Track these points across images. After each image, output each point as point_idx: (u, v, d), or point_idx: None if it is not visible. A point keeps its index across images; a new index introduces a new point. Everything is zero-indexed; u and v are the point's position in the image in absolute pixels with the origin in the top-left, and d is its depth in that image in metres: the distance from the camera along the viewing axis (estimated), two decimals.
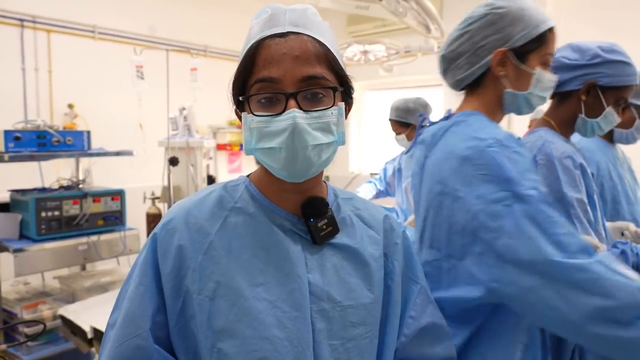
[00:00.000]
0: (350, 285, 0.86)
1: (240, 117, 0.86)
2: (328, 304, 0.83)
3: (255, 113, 0.79)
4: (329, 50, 0.81)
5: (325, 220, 0.87)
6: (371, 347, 0.87)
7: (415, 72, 5.17)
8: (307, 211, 0.86)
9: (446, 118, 1.24)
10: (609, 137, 2.03)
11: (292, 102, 0.77)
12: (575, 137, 1.61)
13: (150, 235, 0.85)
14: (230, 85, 0.85)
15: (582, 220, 1.31)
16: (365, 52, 3.25)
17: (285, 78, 0.77)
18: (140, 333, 0.78)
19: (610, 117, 1.48)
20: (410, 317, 0.95)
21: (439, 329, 0.98)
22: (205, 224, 0.83)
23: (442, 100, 5.28)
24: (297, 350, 0.78)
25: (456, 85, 1.28)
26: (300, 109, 0.77)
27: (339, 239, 0.89)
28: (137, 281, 0.82)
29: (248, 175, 0.93)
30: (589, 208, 1.35)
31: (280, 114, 0.77)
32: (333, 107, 0.80)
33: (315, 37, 0.80)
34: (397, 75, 4.42)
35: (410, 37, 4.04)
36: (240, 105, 0.84)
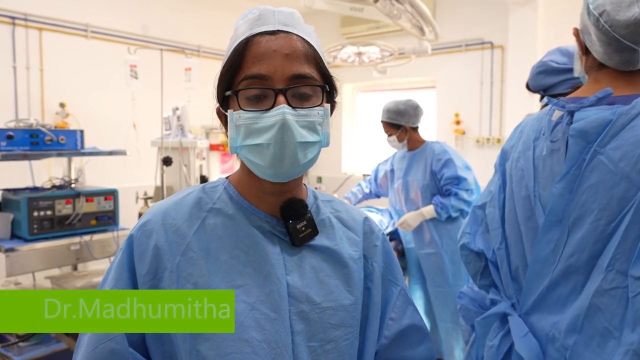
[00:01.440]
0: (329, 286, 0.86)
1: (221, 117, 0.86)
2: (307, 306, 0.83)
3: (244, 108, 0.79)
4: (316, 51, 0.83)
5: (305, 222, 0.86)
6: (351, 349, 0.86)
7: (409, 74, 5.21)
8: (285, 213, 0.86)
9: (607, 102, 0.99)
10: None
11: (281, 98, 0.77)
12: None
13: (127, 237, 0.84)
14: (216, 82, 0.84)
15: None
16: (359, 54, 3.26)
17: (275, 75, 0.77)
18: (115, 337, 0.76)
19: None
20: (390, 319, 0.94)
21: (418, 330, 0.97)
22: (183, 225, 0.83)
23: (434, 102, 5.32)
24: (275, 352, 0.78)
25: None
26: (289, 105, 0.77)
27: (318, 240, 0.88)
28: (113, 283, 0.80)
29: (227, 177, 0.92)
30: None
31: (269, 109, 0.77)
32: (319, 107, 0.81)
33: (303, 37, 0.82)
34: (390, 77, 4.44)
35: (403, 39, 4.06)
36: (225, 103, 0.83)
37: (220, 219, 0.84)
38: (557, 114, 1.05)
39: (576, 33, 1.11)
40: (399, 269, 0.99)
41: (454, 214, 2.79)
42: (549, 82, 1.54)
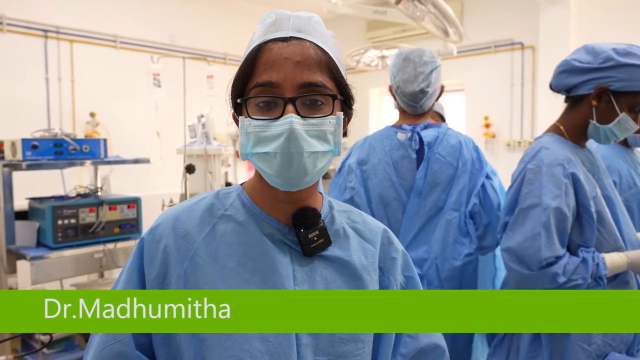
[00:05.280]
0: None
1: (237, 121, 0.84)
2: None
3: (253, 117, 0.77)
4: (330, 58, 0.81)
5: (317, 232, 0.84)
6: None
7: None
8: (297, 221, 0.83)
9: (425, 127, 1.83)
10: (624, 141, 1.95)
11: (290, 107, 0.75)
12: (594, 143, 1.53)
13: (139, 240, 0.84)
14: (229, 88, 0.84)
15: (550, 229, 1.34)
16: (382, 58, 3.20)
17: (285, 83, 0.76)
18: (122, 339, 0.77)
19: (625, 123, 1.39)
20: (408, 337, 0.91)
21: (437, 348, 0.93)
22: (193, 230, 0.82)
23: (463, 105, 5.20)
24: None
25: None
26: (298, 114, 0.75)
27: (331, 251, 0.85)
28: (122, 286, 0.81)
29: (242, 184, 0.91)
30: (570, 217, 1.37)
31: (277, 118, 0.76)
32: (331, 116, 0.78)
33: (317, 44, 0.79)
34: None
35: (429, 42, 3.98)
36: (238, 109, 0.82)
37: (231, 225, 0.83)
38: (402, 135, 1.79)
39: (390, 89, 1.87)
40: (419, 285, 0.96)
41: None
42: (571, 82, 1.45)
